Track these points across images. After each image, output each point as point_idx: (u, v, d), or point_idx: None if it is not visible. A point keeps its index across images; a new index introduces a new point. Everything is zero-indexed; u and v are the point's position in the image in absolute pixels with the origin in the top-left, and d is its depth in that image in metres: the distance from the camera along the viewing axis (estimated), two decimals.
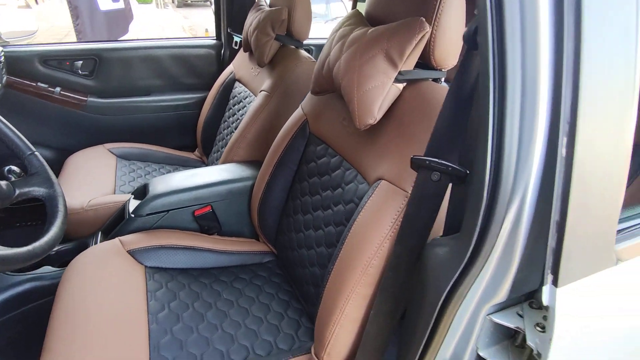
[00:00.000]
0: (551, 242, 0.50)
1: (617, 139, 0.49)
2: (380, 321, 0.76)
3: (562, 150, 0.47)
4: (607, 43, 0.45)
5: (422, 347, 0.66)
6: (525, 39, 0.45)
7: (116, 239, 1.15)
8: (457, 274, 0.57)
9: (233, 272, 1.21)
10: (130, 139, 1.90)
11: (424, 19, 0.75)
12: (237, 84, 1.77)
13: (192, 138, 1.99)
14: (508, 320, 0.61)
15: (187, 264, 1.18)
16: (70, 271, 1.04)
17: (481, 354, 0.64)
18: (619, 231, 0.57)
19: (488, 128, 0.49)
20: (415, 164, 0.64)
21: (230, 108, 1.75)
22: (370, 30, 0.82)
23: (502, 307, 0.62)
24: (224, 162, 1.49)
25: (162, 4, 16.69)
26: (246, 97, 1.66)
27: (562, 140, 0.46)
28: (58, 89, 1.77)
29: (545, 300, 0.52)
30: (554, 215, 0.49)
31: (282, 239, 1.20)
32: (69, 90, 1.80)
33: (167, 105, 2.00)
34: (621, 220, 0.59)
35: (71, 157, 1.70)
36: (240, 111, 1.67)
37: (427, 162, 0.63)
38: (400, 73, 0.78)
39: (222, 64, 2.04)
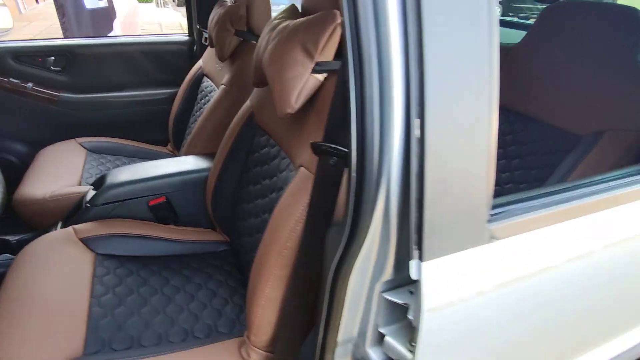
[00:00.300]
0: (413, 219, 0.53)
1: (474, 122, 0.52)
2: (297, 301, 0.80)
3: (415, 131, 0.50)
4: (450, 25, 0.48)
5: (323, 324, 0.69)
6: (379, 24, 0.48)
7: (70, 228, 1.19)
8: (340, 252, 0.60)
9: (185, 260, 1.24)
10: (104, 134, 1.94)
11: (337, 11, 0.78)
12: (205, 78, 1.81)
13: (164, 132, 2.03)
14: (399, 297, 0.64)
15: (139, 252, 1.21)
16: (20, 258, 1.08)
17: (381, 330, 0.68)
18: (497, 212, 0.60)
19: (351, 111, 0.52)
20: (315, 149, 0.68)
21: (198, 102, 1.79)
22: (292, 23, 0.86)
23: (397, 285, 0.66)
24: (184, 155, 1.53)
25: (162, 3, 16.75)
26: (212, 92, 1.70)
27: (415, 122, 0.49)
28: (30, 84, 1.82)
29: (413, 274, 0.55)
30: (413, 193, 0.52)
31: (233, 227, 1.24)
32: (42, 86, 1.84)
33: (140, 101, 2.04)
34: (503, 204, 0.62)
35: (42, 150, 1.74)
36: (206, 105, 1.70)
37: (324, 147, 0.66)
38: (317, 64, 0.81)
39: (194, 59, 2.07)
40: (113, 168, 1.72)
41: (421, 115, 0.49)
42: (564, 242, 0.66)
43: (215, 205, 1.28)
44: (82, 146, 1.80)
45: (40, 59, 1.83)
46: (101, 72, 1.95)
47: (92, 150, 1.80)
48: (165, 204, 1.30)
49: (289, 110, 0.83)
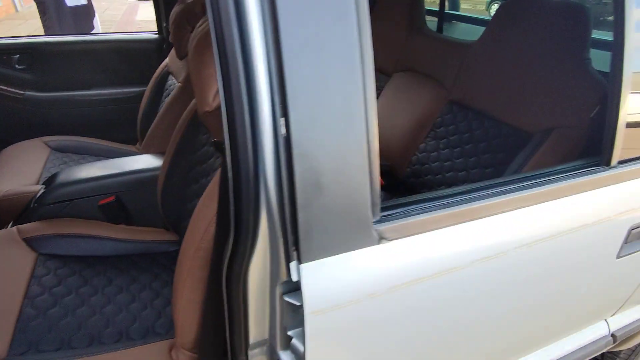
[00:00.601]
0: (289, 219, 0.51)
1: (348, 122, 0.50)
2: (214, 303, 0.79)
3: (281, 130, 0.48)
4: (309, 21, 0.46)
5: (228, 326, 0.68)
6: (240, 20, 0.47)
7: (13, 228, 1.18)
8: (228, 253, 0.59)
9: (134, 260, 1.23)
10: (72, 132, 1.93)
11: None
12: (170, 76, 1.79)
13: (134, 131, 2.02)
14: (296, 299, 0.63)
15: (86, 252, 1.20)
16: None
17: (289, 333, 0.66)
18: (389, 214, 0.58)
19: (222, 110, 0.51)
20: (217, 148, 0.66)
21: (162, 101, 1.78)
22: None
23: (299, 287, 0.64)
24: (142, 153, 1.52)
25: None
26: (175, 89, 1.69)
27: (280, 121, 0.48)
28: None
29: (293, 275, 0.54)
30: (285, 193, 0.50)
31: (181, 226, 1.23)
32: (6, 84, 1.84)
33: (109, 99, 2.03)
34: (395, 205, 0.60)
35: (5, 150, 1.73)
36: None
37: (223, 145, 0.64)
38: None
39: (162, 57, 2.06)
40: None
41: (285, 114, 0.48)
42: (469, 243, 0.64)
43: (165, 204, 1.27)
44: (47, 145, 1.79)
45: (4, 57, 1.82)
46: (68, 70, 1.94)
47: (57, 149, 1.79)
48: (115, 204, 1.29)
49: (207, 109, 0.81)
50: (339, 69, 0.49)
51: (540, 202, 0.70)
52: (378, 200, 0.56)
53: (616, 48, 0.71)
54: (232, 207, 0.55)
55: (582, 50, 1.12)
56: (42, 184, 1.35)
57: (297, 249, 0.52)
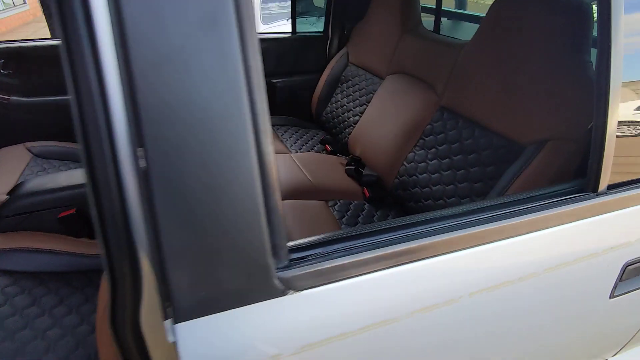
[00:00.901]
0: (157, 269, 0.42)
1: (234, 150, 0.41)
2: None
3: (140, 163, 0.39)
4: (168, 31, 0.37)
5: None
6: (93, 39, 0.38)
7: None
8: (109, 302, 0.50)
9: (91, 276, 1.17)
10: (60, 138, 1.88)
11: None
12: None
13: None
14: None
15: (41, 268, 1.14)
16: None
17: None
18: (300, 257, 0.48)
19: (78, 138, 0.42)
20: None
21: None
22: None
23: None
24: None
25: None
26: None
27: (138, 152, 0.39)
28: None
29: (169, 337, 0.44)
30: (150, 235, 0.41)
31: None
32: None
33: None
34: (308, 246, 0.50)
35: None
36: None
37: None
38: None
39: None
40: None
41: (143, 143, 0.38)
42: (408, 290, 0.53)
43: None
44: (29, 151, 1.76)
45: None
46: (55, 75, 1.90)
47: (39, 155, 1.75)
48: (75, 217, 1.23)
49: None
50: (214, 86, 0.39)
51: (503, 238, 0.58)
52: (283, 242, 0.46)
53: (602, 55, 0.59)
54: (102, 251, 0.46)
55: (582, 52, 0.98)
56: (7, 194, 1.30)
57: (172, 305, 0.43)
